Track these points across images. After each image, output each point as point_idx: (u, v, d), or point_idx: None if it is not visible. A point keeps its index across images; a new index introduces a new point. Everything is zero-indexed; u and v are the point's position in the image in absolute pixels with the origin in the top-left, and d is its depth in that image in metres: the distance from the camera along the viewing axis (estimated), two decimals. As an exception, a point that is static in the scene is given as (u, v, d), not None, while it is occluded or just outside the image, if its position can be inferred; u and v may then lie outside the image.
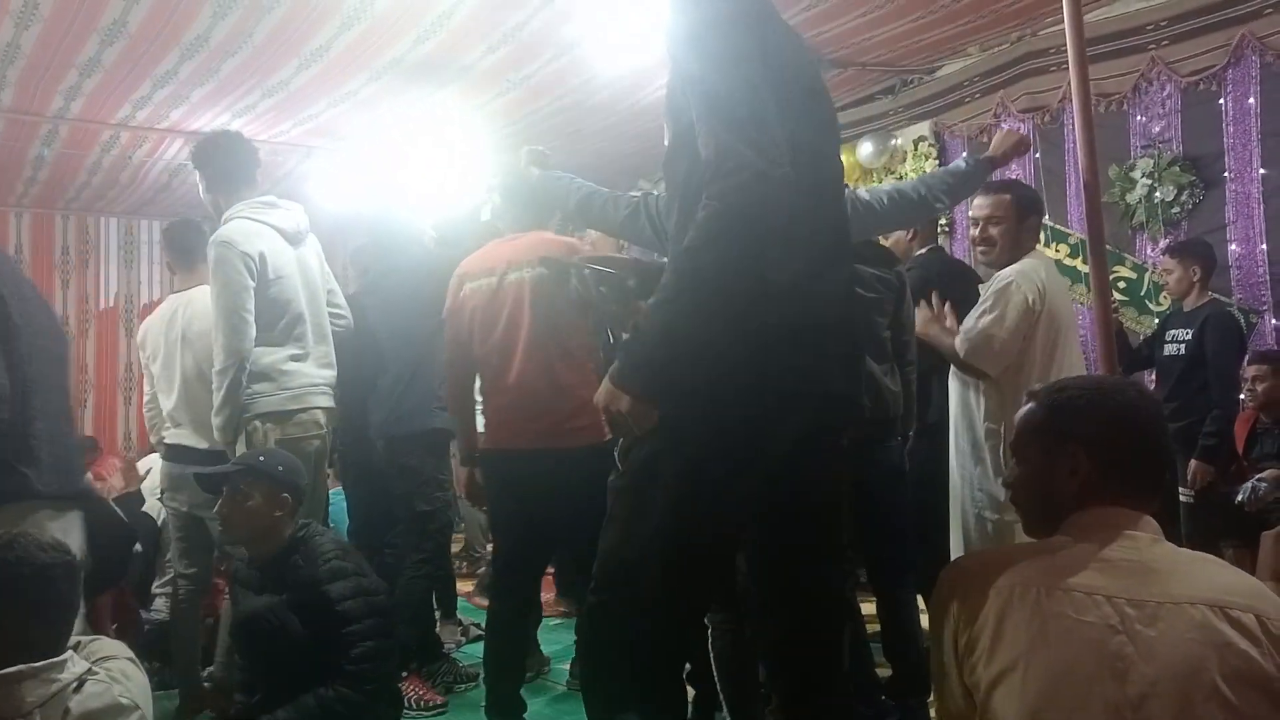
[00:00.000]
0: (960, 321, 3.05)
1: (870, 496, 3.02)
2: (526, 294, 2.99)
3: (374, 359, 3.79)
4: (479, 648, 4.28)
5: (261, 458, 2.88)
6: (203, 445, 3.38)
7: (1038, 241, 3.21)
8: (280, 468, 2.84)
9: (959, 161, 3.00)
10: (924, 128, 6.22)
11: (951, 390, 3.08)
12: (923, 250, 3.76)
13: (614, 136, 6.31)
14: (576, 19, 4.44)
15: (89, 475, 4.88)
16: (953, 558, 3.12)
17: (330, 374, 3.32)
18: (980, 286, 3.14)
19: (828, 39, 5.13)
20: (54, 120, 5.81)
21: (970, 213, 3.11)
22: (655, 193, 2.71)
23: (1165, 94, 4.99)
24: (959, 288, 3.36)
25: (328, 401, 3.30)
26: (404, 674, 3.62)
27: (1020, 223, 2.99)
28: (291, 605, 2.63)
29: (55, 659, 1.69)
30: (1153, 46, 4.94)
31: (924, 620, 3.46)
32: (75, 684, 1.69)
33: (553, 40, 4.79)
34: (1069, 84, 2.77)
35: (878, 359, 3.10)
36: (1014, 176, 5.43)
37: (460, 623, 4.51)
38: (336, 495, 5.10)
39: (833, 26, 4.96)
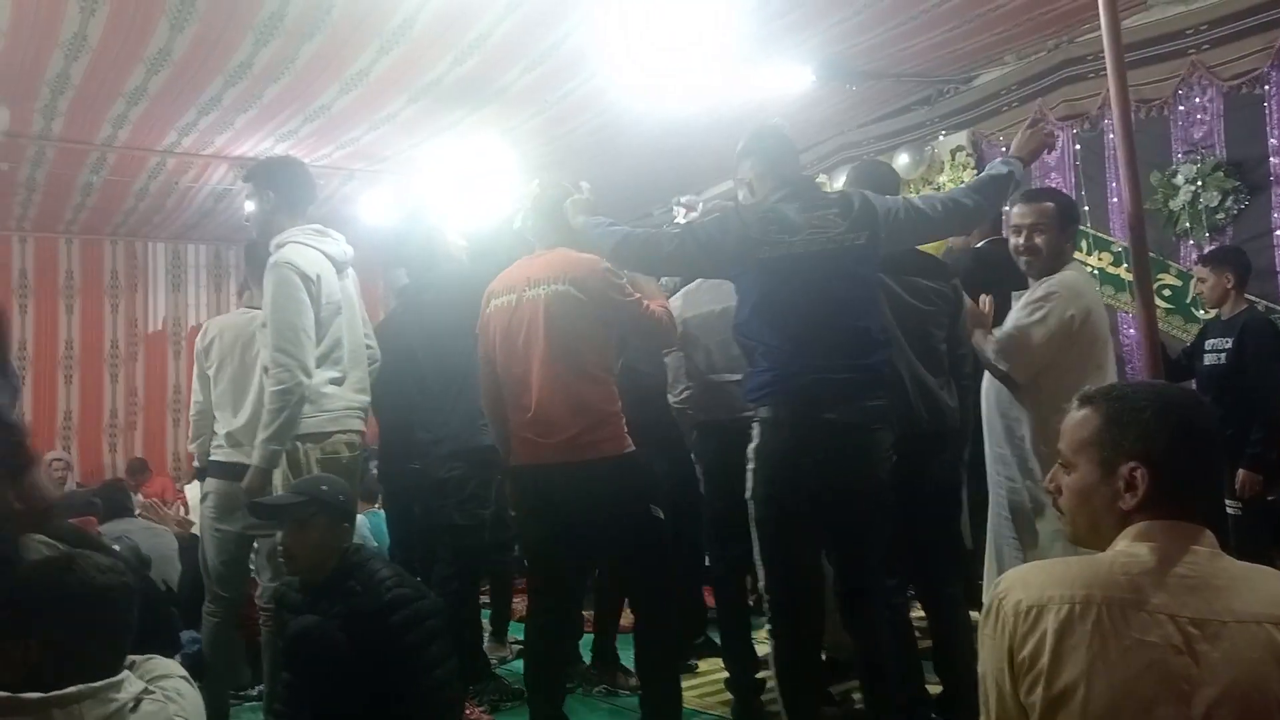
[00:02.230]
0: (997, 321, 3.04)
1: (924, 509, 3.00)
2: (541, 311, 2.98)
3: (414, 377, 3.79)
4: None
5: (324, 486, 2.86)
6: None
7: (1075, 249, 3.19)
8: (341, 496, 2.85)
9: (996, 164, 3.02)
10: (961, 137, 6.18)
11: (991, 399, 3.05)
12: (983, 242, 3.74)
13: (649, 153, 6.34)
14: (609, 38, 4.48)
15: (139, 496, 4.99)
16: (986, 571, 3.09)
17: (365, 399, 3.35)
18: (1015, 294, 3.12)
19: (863, 50, 5.13)
20: (102, 148, 5.95)
21: (1011, 221, 3.08)
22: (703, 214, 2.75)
23: (1206, 98, 4.92)
24: (1011, 283, 3.33)
25: (361, 425, 3.34)
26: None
27: (1063, 231, 2.98)
28: (348, 630, 2.65)
29: (113, 678, 1.72)
30: (1192, 51, 4.88)
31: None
32: (132, 703, 1.72)
33: (587, 60, 4.83)
34: (1108, 90, 2.75)
35: (934, 372, 3.07)
36: (1054, 184, 5.40)
37: (507, 641, 4.51)
38: (376, 516, 5.16)
39: (868, 38, 4.96)
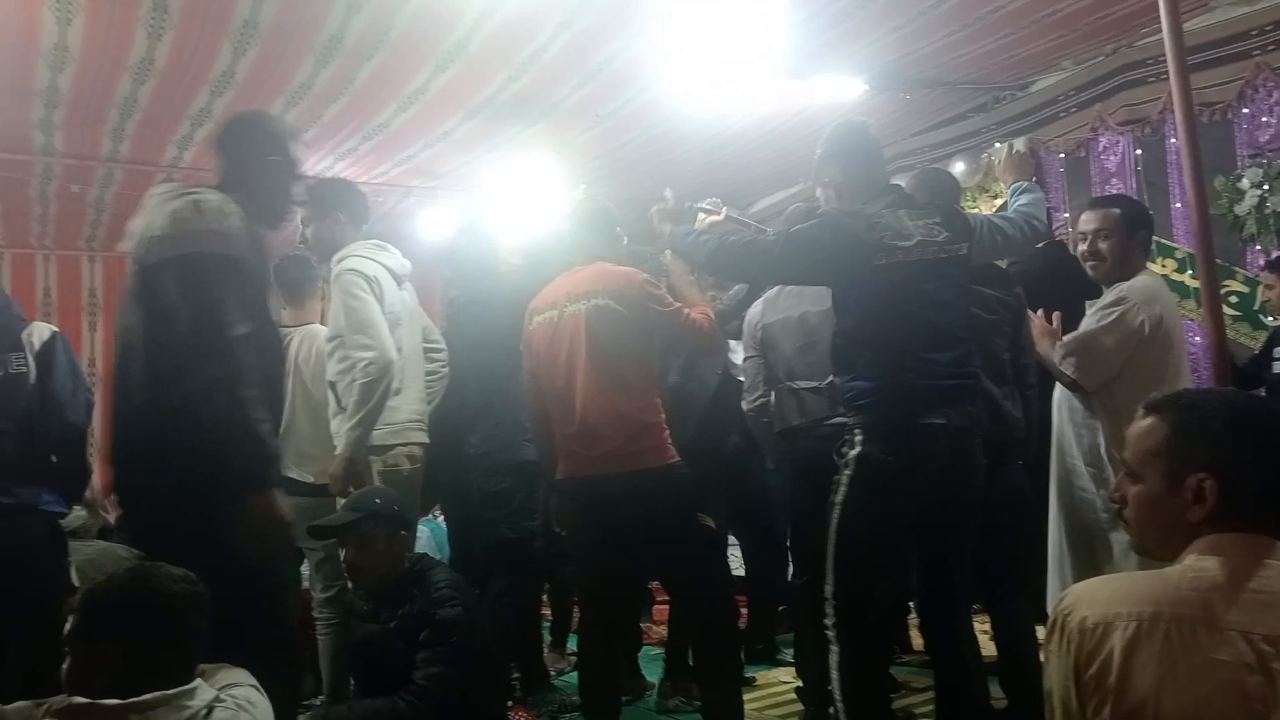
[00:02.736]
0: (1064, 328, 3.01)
1: (991, 521, 2.96)
2: (583, 326, 3.01)
3: (463, 390, 3.84)
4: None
5: (378, 499, 2.92)
6: (306, 479, 3.46)
7: (1147, 256, 3.14)
8: (396, 506, 2.92)
9: (1023, 185, 3.21)
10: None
11: (1063, 410, 3.00)
12: (1040, 244, 3.72)
13: (700, 165, 6.35)
14: (661, 54, 4.51)
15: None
16: (1050, 584, 3.04)
17: (424, 409, 3.42)
18: (1088, 302, 3.09)
19: (916, 59, 5.10)
20: (168, 169, 6.08)
21: (1078, 227, 3.07)
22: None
23: (1272, 101, 4.81)
24: (1071, 287, 3.29)
25: (423, 436, 3.39)
26: (509, 704, 3.64)
27: (1129, 237, 2.95)
28: (404, 632, 2.70)
29: (186, 686, 1.76)
30: (1257, 52, 4.77)
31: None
32: (205, 711, 1.76)
33: (638, 75, 4.85)
34: (1169, 94, 2.71)
35: (997, 382, 3.04)
36: (1115, 191, 5.31)
37: (566, 652, 4.52)
38: (438, 525, 5.21)
39: (920, 46, 4.93)
